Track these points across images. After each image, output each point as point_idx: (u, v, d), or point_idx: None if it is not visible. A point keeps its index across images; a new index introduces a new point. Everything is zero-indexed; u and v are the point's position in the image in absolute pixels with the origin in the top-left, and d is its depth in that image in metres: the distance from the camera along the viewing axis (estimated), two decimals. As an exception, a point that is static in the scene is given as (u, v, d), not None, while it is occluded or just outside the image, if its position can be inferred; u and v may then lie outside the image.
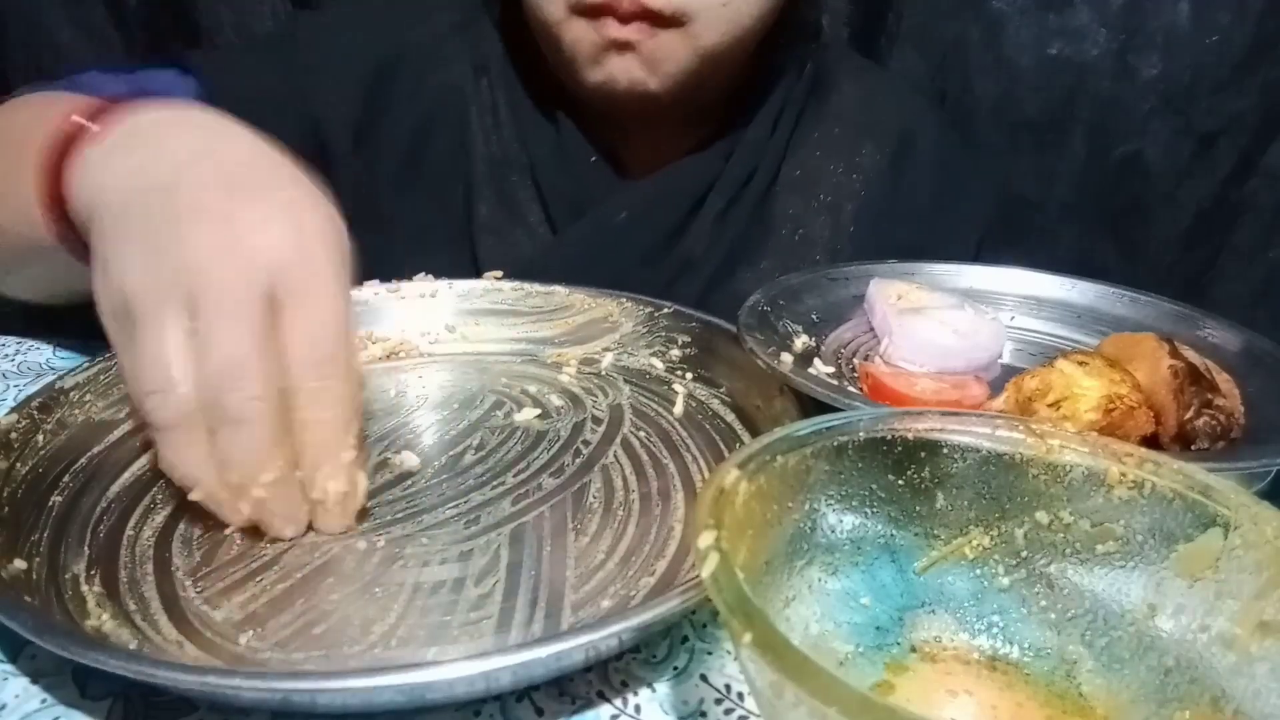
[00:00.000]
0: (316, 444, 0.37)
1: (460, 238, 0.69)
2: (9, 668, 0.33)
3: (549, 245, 0.68)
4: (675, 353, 0.56)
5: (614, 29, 0.58)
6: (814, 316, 0.57)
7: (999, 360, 0.56)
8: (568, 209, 0.68)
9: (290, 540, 0.39)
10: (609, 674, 0.34)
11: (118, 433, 0.46)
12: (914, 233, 0.72)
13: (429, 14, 0.70)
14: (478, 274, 0.61)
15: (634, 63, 0.60)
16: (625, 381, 0.55)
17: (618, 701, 0.33)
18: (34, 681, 0.33)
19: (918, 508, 0.34)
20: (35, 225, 0.45)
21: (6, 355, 0.58)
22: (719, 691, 0.34)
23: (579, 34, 0.60)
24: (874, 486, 0.33)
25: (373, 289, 0.58)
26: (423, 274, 0.60)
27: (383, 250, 0.66)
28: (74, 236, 0.43)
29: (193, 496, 0.38)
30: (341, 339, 0.38)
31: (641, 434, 0.49)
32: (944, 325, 0.54)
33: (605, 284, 0.60)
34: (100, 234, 0.39)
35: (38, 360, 0.57)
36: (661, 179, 0.68)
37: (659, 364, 0.56)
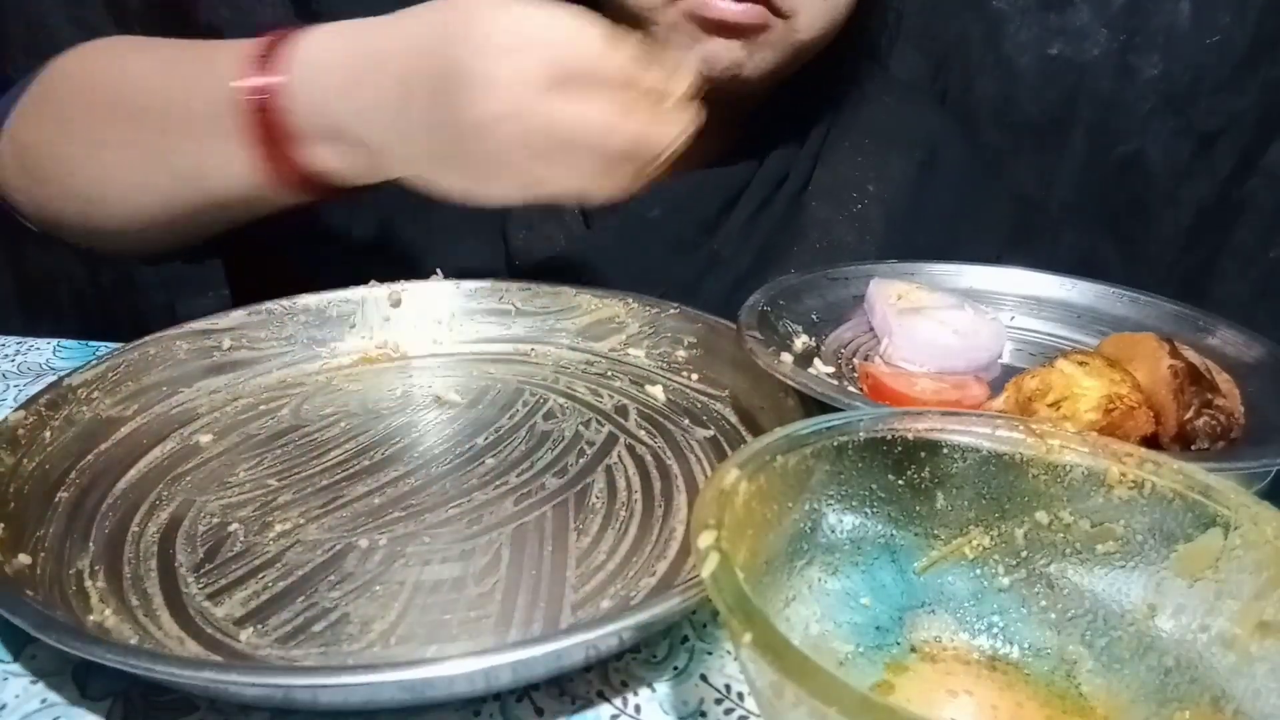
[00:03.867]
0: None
1: (492, 230, 0.69)
2: (10, 667, 0.33)
3: (581, 238, 0.68)
4: (680, 353, 0.56)
5: (721, 9, 0.59)
6: (814, 316, 0.57)
7: (999, 360, 0.56)
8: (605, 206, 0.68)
9: (291, 538, 0.39)
10: (609, 674, 0.34)
11: (124, 430, 0.46)
12: (937, 243, 0.73)
13: None
14: (511, 267, 0.61)
15: (736, 45, 0.61)
16: (631, 382, 0.55)
17: (618, 701, 0.33)
18: (34, 681, 0.33)
19: (918, 508, 0.34)
20: (235, 176, 0.48)
21: (6, 355, 0.58)
22: (719, 691, 0.34)
23: (682, 14, 0.60)
24: (874, 486, 0.34)
25: (377, 289, 0.58)
26: (436, 272, 0.60)
27: (418, 242, 0.66)
28: (294, 176, 0.48)
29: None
30: None
31: (645, 434, 0.49)
32: (944, 325, 0.54)
33: (635, 277, 0.60)
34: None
35: (38, 360, 0.58)
36: (696, 177, 0.68)
37: (664, 364, 0.57)
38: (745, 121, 0.70)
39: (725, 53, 0.61)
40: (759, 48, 0.61)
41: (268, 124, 0.46)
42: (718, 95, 0.64)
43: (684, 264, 0.68)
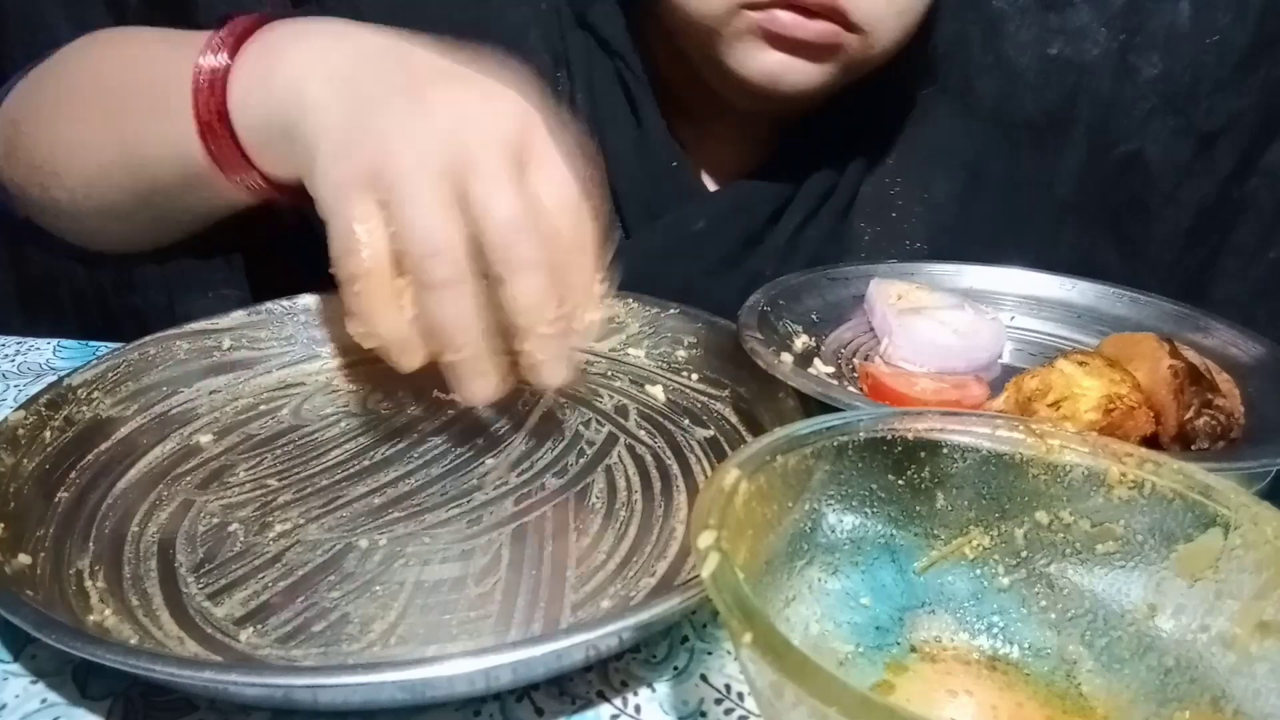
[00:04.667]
0: (579, 283, 0.42)
1: None
2: (9, 667, 0.33)
3: (621, 248, 0.67)
4: (680, 353, 0.56)
5: (791, 25, 0.57)
6: (814, 316, 0.57)
7: (999, 360, 0.56)
8: (642, 211, 0.67)
9: (292, 538, 0.39)
10: (609, 674, 0.34)
11: (124, 430, 0.46)
12: (982, 261, 0.72)
13: (507, 5, 0.69)
14: None
15: (801, 62, 0.59)
16: (631, 382, 0.55)
17: (618, 701, 0.33)
18: (34, 681, 0.33)
19: (918, 508, 0.34)
20: (179, 158, 0.47)
21: (6, 355, 0.58)
22: (719, 691, 0.34)
23: (748, 27, 0.58)
24: (874, 486, 0.34)
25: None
26: None
27: None
28: (234, 162, 0.46)
29: (455, 354, 0.40)
30: (580, 189, 0.42)
31: (645, 434, 0.49)
32: (944, 325, 0.54)
33: (674, 292, 0.59)
34: (319, 122, 0.41)
35: (38, 360, 0.58)
36: (742, 190, 0.67)
37: (664, 364, 0.57)
38: (791, 131, 0.69)
39: (791, 70, 0.59)
40: (833, 66, 0.60)
41: (212, 105, 0.45)
42: (767, 106, 0.63)
43: (726, 281, 0.66)
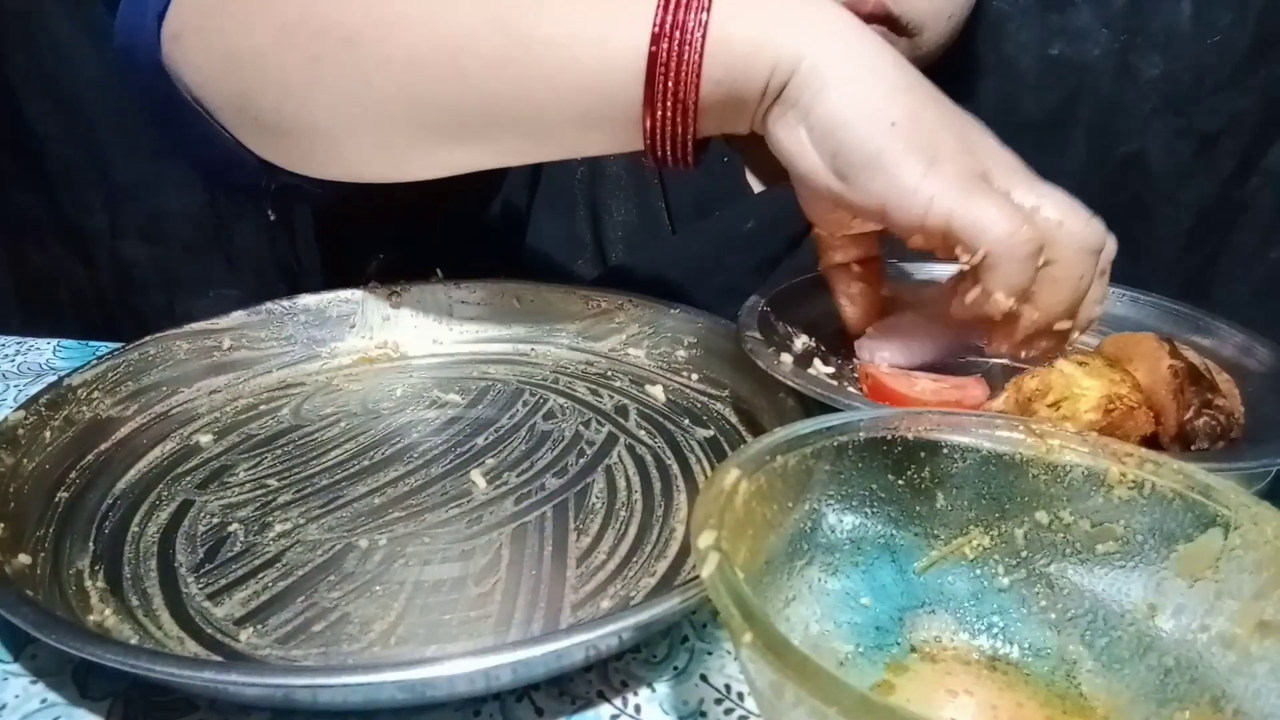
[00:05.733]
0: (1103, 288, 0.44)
1: (583, 232, 0.68)
2: (9, 667, 0.33)
3: (671, 243, 0.67)
4: (680, 353, 0.56)
5: None
6: (814, 317, 0.57)
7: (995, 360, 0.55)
8: (690, 205, 0.67)
9: (292, 538, 0.39)
10: (609, 674, 0.34)
11: (124, 430, 0.46)
12: None
13: None
14: (602, 264, 0.62)
15: None
16: (631, 382, 0.55)
17: (617, 701, 0.33)
18: (34, 681, 0.33)
19: (918, 508, 0.34)
20: (604, 84, 0.41)
21: (6, 355, 0.58)
22: (719, 691, 0.34)
23: None
24: (874, 486, 0.34)
25: (377, 289, 0.58)
26: (436, 272, 0.60)
27: (503, 231, 0.66)
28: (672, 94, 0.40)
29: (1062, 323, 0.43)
30: None
31: (645, 434, 0.49)
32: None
33: (720, 289, 0.60)
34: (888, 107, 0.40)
35: (38, 360, 0.58)
36: (786, 192, 0.67)
37: (664, 364, 0.57)
38: None
39: None
40: None
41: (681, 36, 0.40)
42: None
43: (765, 279, 0.66)
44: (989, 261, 0.40)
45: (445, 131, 0.45)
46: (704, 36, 0.39)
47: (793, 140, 0.42)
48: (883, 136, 0.39)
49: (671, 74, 0.40)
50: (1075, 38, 0.93)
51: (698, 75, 0.40)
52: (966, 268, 0.41)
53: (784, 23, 0.40)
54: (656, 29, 0.39)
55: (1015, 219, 0.39)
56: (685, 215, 0.67)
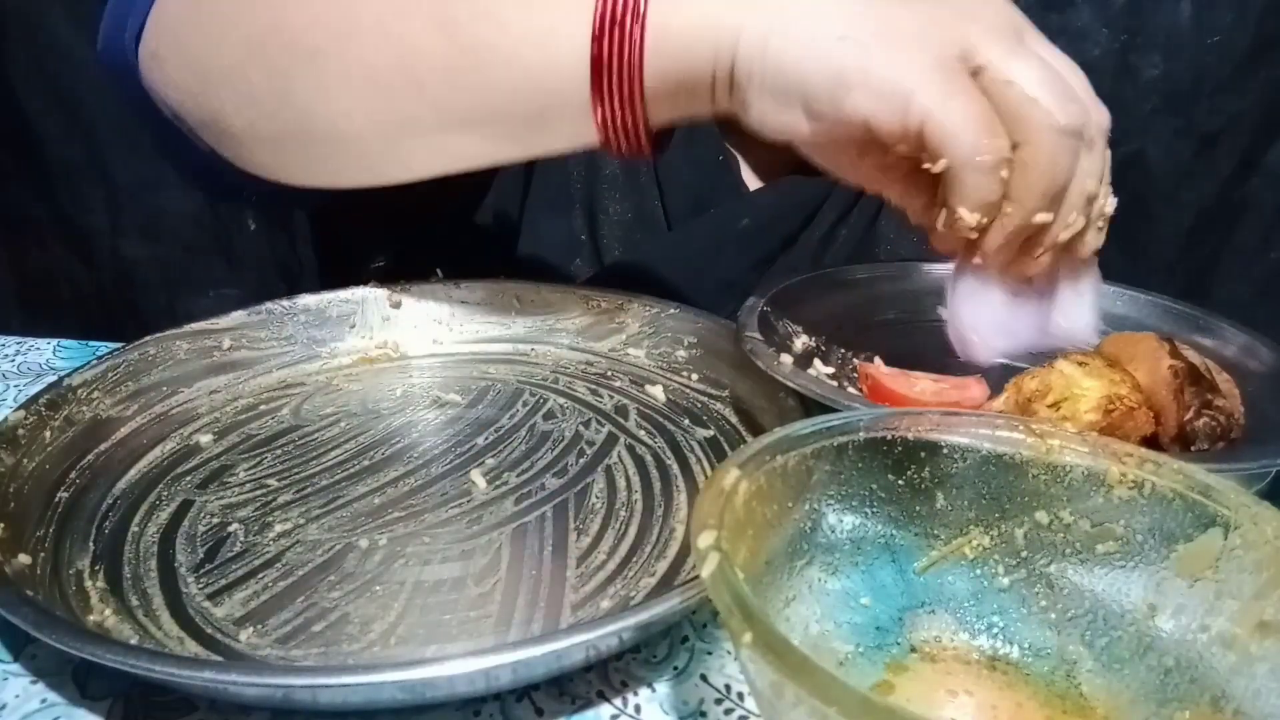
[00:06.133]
0: (1094, 167, 0.41)
1: (578, 228, 0.69)
2: (9, 667, 0.33)
3: (667, 241, 0.68)
4: (680, 353, 0.56)
5: None
6: (814, 317, 0.57)
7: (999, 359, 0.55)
8: (686, 203, 0.67)
9: (292, 538, 0.39)
10: (609, 674, 0.34)
11: (124, 430, 0.46)
12: None
13: None
14: (599, 262, 0.62)
15: None
16: (631, 382, 0.55)
17: (617, 701, 0.33)
18: (34, 681, 0.33)
19: (918, 508, 0.34)
20: (535, 65, 0.42)
21: (6, 355, 0.58)
22: (719, 691, 0.34)
23: None
24: (874, 486, 0.34)
25: (377, 289, 0.58)
26: (435, 272, 0.60)
27: (498, 227, 0.66)
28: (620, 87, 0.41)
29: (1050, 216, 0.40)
30: None
31: (645, 434, 0.49)
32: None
33: (717, 286, 0.61)
34: (851, 25, 0.38)
35: (38, 360, 0.58)
36: (783, 190, 0.68)
37: (664, 364, 0.57)
38: None
39: None
40: None
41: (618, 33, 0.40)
42: None
43: (762, 276, 0.67)
44: (950, 174, 0.38)
45: (411, 137, 0.45)
46: (642, 31, 0.39)
47: (766, 115, 0.41)
48: (835, 56, 0.38)
49: (614, 72, 0.40)
50: (1075, 38, 0.93)
51: (640, 70, 0.40)
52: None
53: (718, 4, 0.39)
54: (595, 28, 0.40)
55: (979, 126, 0.37)
56: (681, 213, 0.68)
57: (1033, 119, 0.38)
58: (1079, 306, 0.45)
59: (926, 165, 0.38)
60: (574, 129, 0.42)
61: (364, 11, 0.44)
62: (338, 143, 0.47)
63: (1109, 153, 0.41)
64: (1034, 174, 0.38)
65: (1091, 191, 0.41)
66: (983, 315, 0.45)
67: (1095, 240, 0.43)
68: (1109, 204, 0.42)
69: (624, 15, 0.39)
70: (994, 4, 0.40)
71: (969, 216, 0.39)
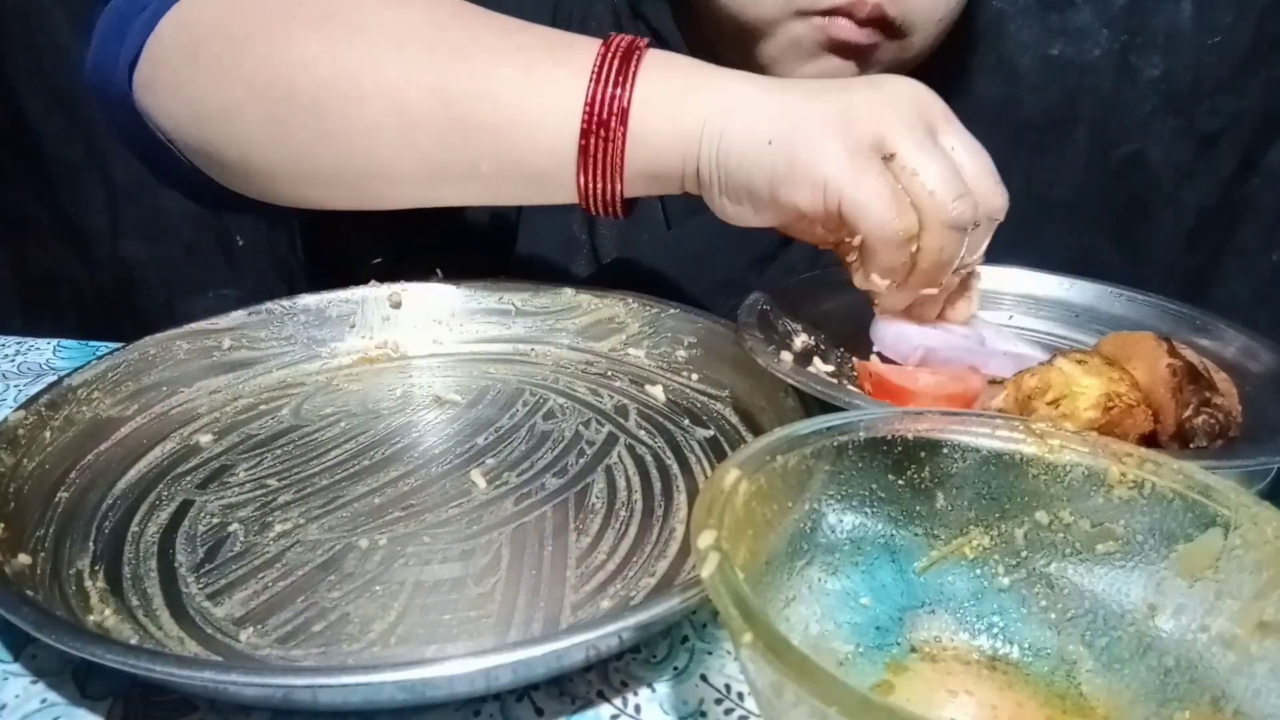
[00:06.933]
0: (977, 242, 0.47)
1: (574, 227, 0.69)
2: (9, 667, 0.33)
3: (666, 239, 0.68)
4: (680, 353, 0.56)
5: (847, 30, 0.59)
6: (814, 316, 0.57)
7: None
8: (686, 203, 0.67)
9: (292, 538, 0.39)
10: (609, 674, 0.34)
11: (124, 430, 0.46)
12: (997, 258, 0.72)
13: None
14: (597, 262, 0.63)
15: (850, 64, 0.61)
16: (631, 382, 0.55)
17: (617, 701, 0.33)
18: (34, 681, 0.33)
19: (918, 508, 0.34)
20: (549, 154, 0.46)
21: (6, 355, 0.58)
22: (719, 691, 0.34)
23: (800, 33, 0.60)
24: (874, 486, 0.34)
25: (377, 289, 0.58)
26: (435, 272, 0.60)
27: (491, 235, 0.67)
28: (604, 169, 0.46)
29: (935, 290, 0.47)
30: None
31: (645, 434, 0.49)
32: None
33: (716, 283, 0.62)
34: (788, 122, 0.43)
35: (38, 360, 0.58)
36: None
37: (664, 364, 0.57)
38: None
39: (840, 73, 0.61)
40: (870, 66, 0.62)
41: (605, 113, 0.45)
42: None
43: (760, 272, 0.68)
44: (865, 246, 0.44)
45: (401, 183, 0.49)
46: (625, 133, 0.45)
47: (725, 209, 0.47)
48: (765, 159, 0.43)
49: (598, 164, 0.45)
50: (1075, 38, 0.93)
51: (621, 164, 0.45)
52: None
53: (685, 111, 0.45)
54: (584, 124, 0.44)
55: (890, 208, 0.42)
56: (680, 212, 0.68)
57: (928, 211, 0.43)
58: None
59: (850, 240, 0.45)
60: (555, 193, 0.48)
61: (366, 77, 0.47)
62: (331, 183, 0.50)
63: (992, 230, 0.47)
64: (923, 258, 0.44)
65: (967, 263, 0.47)
66: (893, 336, 0.53)
67: (966, 309, 0.51)
68: (976, 277, 0.51)
69: (609, 117, 0.44)
70: (910, 95, 0.45)
71: (879, 282, 0.46)
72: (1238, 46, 0.91)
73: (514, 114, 0.46)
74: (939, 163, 0.43)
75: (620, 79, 0.44)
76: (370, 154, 0.48)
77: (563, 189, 0.47)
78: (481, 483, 0.44)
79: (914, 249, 0.44)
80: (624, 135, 0.44)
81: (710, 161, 0.45)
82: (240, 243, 1.33)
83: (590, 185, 0.46)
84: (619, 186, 0.46)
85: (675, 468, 0.46)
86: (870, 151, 0.43)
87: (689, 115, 0.44)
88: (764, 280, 0.66)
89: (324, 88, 0.47)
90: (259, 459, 0.46)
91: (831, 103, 0.43)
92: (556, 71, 0.45)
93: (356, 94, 0.47)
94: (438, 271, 0.60)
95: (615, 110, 0.44)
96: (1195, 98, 0.94)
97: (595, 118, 0.44)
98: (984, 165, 0.45)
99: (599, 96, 0.44)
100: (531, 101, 0.45)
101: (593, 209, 0.48)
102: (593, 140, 0.45)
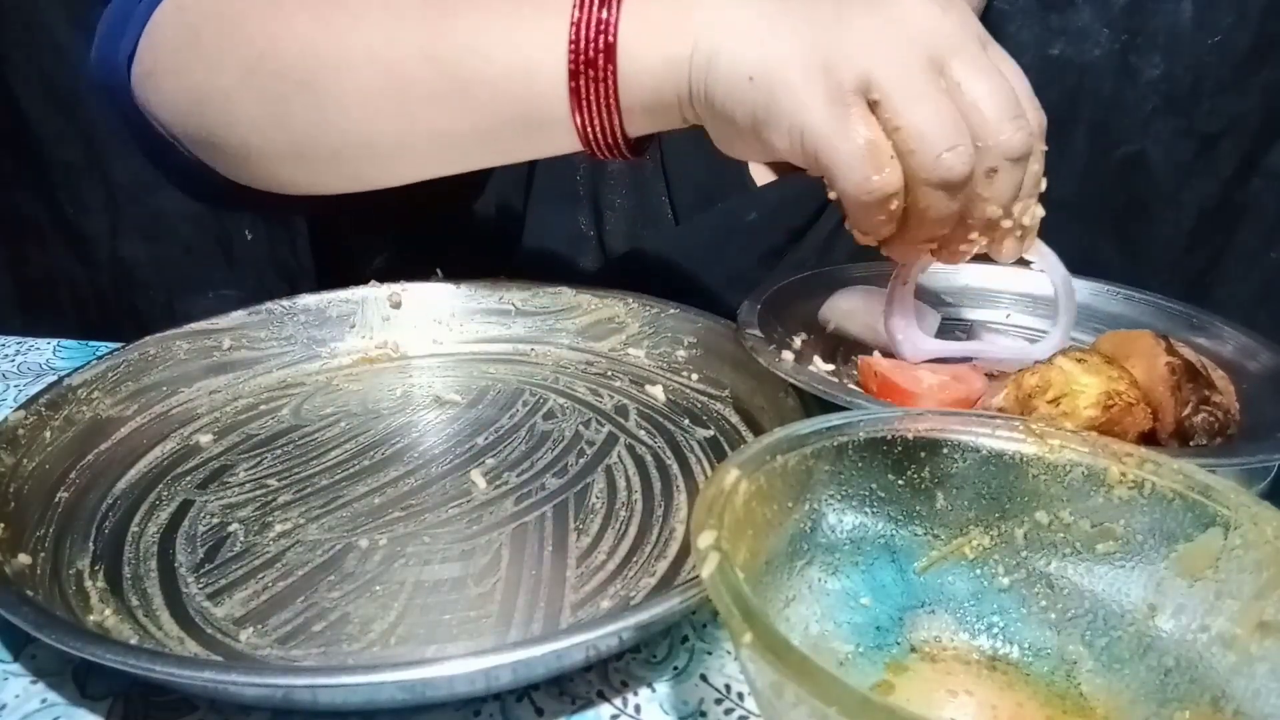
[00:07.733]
0: (1033, 176, 0.43)
1: (584, 224, 0.69)
2: (9, 667, 0.33)
3: (674, 234, 0.68)
4: (680, 353, 0.56)
5: None
6: (814, 315, 0.57)
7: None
8: (694, 197, 0.68)
9: (292, 538, 0.39)
10: (609, 674, 0.34)
11: (124, 430, 0.46)
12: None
13: None
14: (604, 257, 0.63)
15: None
16: (631, 382, 0.55)
17: (618, 701, 0.33)
18: (34, 681, 0.33)
19: (918, 508, 0.34)
20: (521, 88, 0.45)
21: (6, 355, 0.58)
22: (719, 691, 0.34)
23: None
24: (874, 486, 0.34)
25: (377, 289, 0.58)
26: (436, 272, 0.60)
27: (503, 226, 0.67)
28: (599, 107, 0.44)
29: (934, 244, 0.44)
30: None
31: (645, 434, 0.49)
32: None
33: (723, 279, 0.61)
34: (771, 52, 0.40)
35: (38, 360, 0.58)
36: (791, 184, 0.68)
37: (664, 364, 0.57)
38: None
39: None
40: None
41: (593, 49, 0.43)
42: None
43: (769, 270, 0.67)
44: (843, 203, 0.42)
45: (402, 153, 0.49)
46: (614, 68, 0.43)
47: (720, 140, 0.45)
48: (747, 98, 0.41)
49: (592, 103, 0.44)
50: (1075, 38, 0.93)
51: (615, 100, 0.44)
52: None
53: (674, 38, 0.42)
54: (571, 65, 0.43)
55: (865, 164, 0.39)
56: (688, 208, 0.68)
57: (909, 167, 0.40)
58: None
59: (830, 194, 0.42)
60: (558, 141, 0.46)
61: (355, 42, 0.46)
62: (331, 160, 0.49)
63: (1032, 169, 0.42)
64: (911, 215, 0.42)
65: (992, 216, 0.42)
66: (909, 323, 0.52)
67: (1012, 249, 0.45)
68: (1029, 216, 0.44)
69: (596, 55, 0.43)
70: (918, 21, 0.40)
71: (860, 237, 0.44)
72: (1238, 47, 0.91)
73: (504, 67, 0.45)
74: (926, 111, 0.39)
75: (603, 15, 0.43)
76: (368, 125, 0.47)
77: (565, 135, 0.45)
78: (481, 483, 0.44)
79: (892, 206, 0.41)
80: (614, 72, 0.43)
81: (700, 94, 0.42)
82: (248, 237, 1.33)
83: (588, 125, 0.45)
84: (617, 122, 0.44)
85: (675, 468, 0.46)
86: (853, 97, 0.39)
87: (676, 46, 0.42)
88: (772, 276, 0.67)
89: (315, 59, 0.46)
90: (259, 459, 0.46)
91: (822, 34, 0.40)
92: (540, 17, 0.44)
93: (347, 63, 0.46)
94: (438, 271, 0.60)
95: (602, 47, 0.43)
96: (1196, 98, 0.94)
97: (582, 56, 0.43)
98: (1000, 102, 0.40)
99: (584, 35, 0.43)
100: (519, 51, 0.44)
101: (598, 151, 0.46)
102: (583, 81, 0.43)
